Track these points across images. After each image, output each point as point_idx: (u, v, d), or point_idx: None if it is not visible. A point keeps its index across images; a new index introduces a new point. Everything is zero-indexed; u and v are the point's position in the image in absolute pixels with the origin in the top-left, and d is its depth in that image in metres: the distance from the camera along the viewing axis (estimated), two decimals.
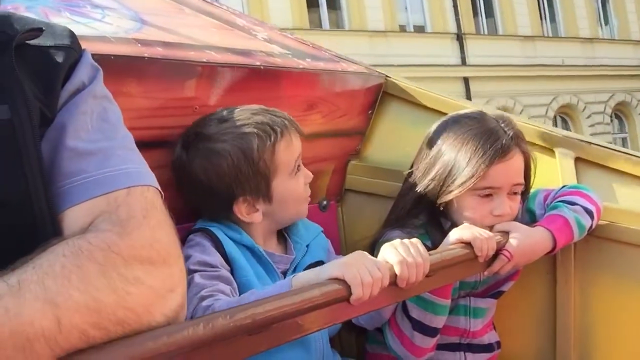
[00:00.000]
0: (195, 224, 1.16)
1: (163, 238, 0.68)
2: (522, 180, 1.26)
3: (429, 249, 1.02)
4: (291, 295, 0.78)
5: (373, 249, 1.23)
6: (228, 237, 1.11)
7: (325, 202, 1.57)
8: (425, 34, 13.37)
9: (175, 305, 0.67)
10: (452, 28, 13.53)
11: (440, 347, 1.29)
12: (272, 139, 1.11)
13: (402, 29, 12.98)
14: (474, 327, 1.33)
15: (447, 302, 1.21)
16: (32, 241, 0.62)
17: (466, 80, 14.20)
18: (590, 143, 1.43)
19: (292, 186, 1.16)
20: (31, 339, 0.53)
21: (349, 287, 0.83)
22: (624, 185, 1.38)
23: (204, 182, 1.10)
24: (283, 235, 1.23)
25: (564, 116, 16.41)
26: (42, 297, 0.55)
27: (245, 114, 1.13)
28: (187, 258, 1.02)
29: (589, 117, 16.07)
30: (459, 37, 13.54)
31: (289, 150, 1.14)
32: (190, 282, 0.96)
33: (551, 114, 15.73)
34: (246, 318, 0.71)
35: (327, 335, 1.17)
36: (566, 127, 16.94)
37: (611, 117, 16.76)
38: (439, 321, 1.21)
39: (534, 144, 1.43)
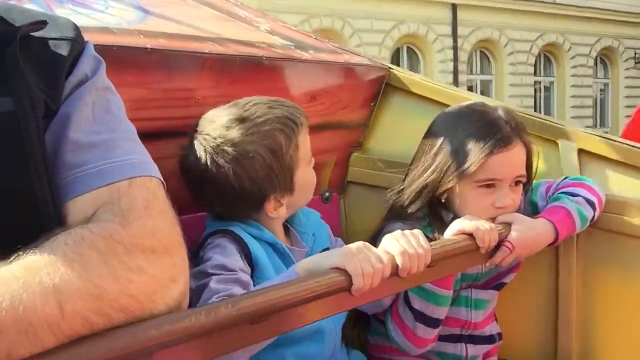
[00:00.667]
0: (207, 224, 1.14)
1: (165, 228, 0.69)
2: (524, 172, 1.26)
3: (430, 240, 1.02)
4: (293, 285, 0.79)
5: (375, 241, 1.22)
6: (250, 235, 1.08)
7: (327, 194, 1.57)
8: None
9: (177, 294, 0.67)
10: None
11: (442, 338, 1.30)
12: (296, 132, 1.10)
13: None
14: (475, 318, 1.33)
15: (449, 293, 1.21)
16: (37, 231, 0.62)
17: (454, 7, 14.09)
18: (593, 134, 1.43)
19: (310, 174, 1.17)
20: (34, 325, 0.53)
21: (350, 277, 0.84)
22: (627, 176, 1.37)
23: (235, 187, 1.06)
24: (286, 226, 1.22)
25: (548, 54, 16.20)
26: (45, 283, 0.55)
27: (262, 108, 1.09)
28: (206, 260, 1.01)
29: (573, 57, 15.86)
30: None
31: (307, 140, 1.14)
32: (205, 286, 0.95)
33: (535, 50, 15.53)
34: (248, 307, 0.71)
35: (340, 329, 1.16)
36: (549, 66, 16.69)
37: (596, 60, 16.58)
38: (441, 312, 1.22)
39: (536, 136, 1.43)
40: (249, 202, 1.09)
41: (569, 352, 1.41)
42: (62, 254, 0.59)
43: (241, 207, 1.09)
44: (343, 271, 0.84)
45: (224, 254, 1.01)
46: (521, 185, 1.27)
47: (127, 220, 0.66)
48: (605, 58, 17.09)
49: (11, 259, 0.57)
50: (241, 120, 1.07)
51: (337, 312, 0.87)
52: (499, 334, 1.39)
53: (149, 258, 0.64)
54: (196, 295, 0.93)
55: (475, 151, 1.20)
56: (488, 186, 1.22)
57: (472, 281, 1.32)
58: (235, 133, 1.06)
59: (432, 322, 1.22)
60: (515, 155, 1.23)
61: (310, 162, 1.16)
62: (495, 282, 1.35)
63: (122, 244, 0.63)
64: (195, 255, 1.05)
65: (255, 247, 1.06)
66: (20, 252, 0.58)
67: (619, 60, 16.88)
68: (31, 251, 0.58)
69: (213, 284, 0.95)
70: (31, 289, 0.54)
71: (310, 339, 1.09)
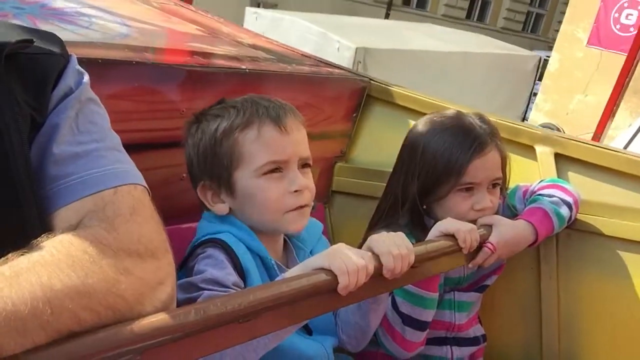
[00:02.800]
0: (199, 226, 1.10)
1: (150, 233, 0.70)
2: (500, 174, 1.29)
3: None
4: (280, 284, 0.80)
5: None
6: (242, 241, 1.04)
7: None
8: None
9: (165, 297, 0.68)
10: None
11: (428, 341, 1.31)
12: (237, 123, 1.04)
13: None
14: (459, 320, 1.35)
15: (435, 296, 1.23)
16: (23, 244, 0.63)
17: None
18: (570, 139, 1.47)
19: (258, 186, 1.03)
20: (24, 319, 0.54)
21: (335, 277, 0.85)
22: (604, 179, 1.41)
23: (191, 161, 1.09)
24: (286, 240, 1.16)
25: None
26: (33, 281, 0.56)
27: (246, 98, 1.08)
28: (197, 272, 0.96)
29: None
30: None
31: (260, 143, 1.03)
32: (194, 300, 0.88)
33: None
34: (237, 305, 0.72)
35: (332, 351, 1.10)
36: None
37: None
38: (428, 315, 1.24)
39: (513, 141, 1.47)
40: (191, 179, 1.11)
41: (554, 351, 1.43)
42: (49, 255, 0.60)
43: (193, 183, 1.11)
44: (328, 271, 0.85)
45: (216, 267, 0.97)
46: (498, 188, 1.30)
47: (112, 226, 0.67)
48: None
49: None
50: (220, 102, 1.11)
51: (325, 312, 0.88)
52: (483, 336, 1.42)
53: (135, 262, 0.65)
54: None
55: (454, 160, 1.24)
56: (467, 190, 1.26)
57: (456, 284, 1.34)
58: (206, 111, 1.10)
59: (420, 325, 1.23)
60: (491, 159, 1.26)
61: (258, 172, 1.03)
62: (477, 285, 1.37)
63: (109, 247, 0.64)
64: (183, 264, 1.02)
65: (245, 258, 1.02)
66: (8, 256, 0.59)
67: None
68: (19, 255, 0.59)
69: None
70: (20, 286, 0.55)
71: None
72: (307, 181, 1.07)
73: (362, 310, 1.11)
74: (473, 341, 1.38)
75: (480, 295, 1.39)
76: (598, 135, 4.50)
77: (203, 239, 1.05)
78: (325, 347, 1.09)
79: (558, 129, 6.92)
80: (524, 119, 5.03)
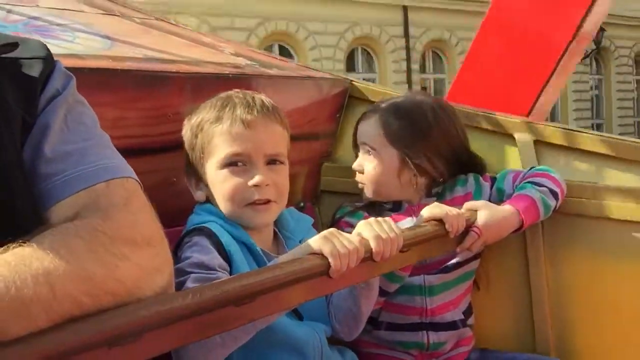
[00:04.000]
0: (189, 219, 1.14)
1: (145, 222, 0.72)
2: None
3: None
4: (274, 269, 0.83)
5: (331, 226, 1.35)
6: (226, 231, 1.08)
7: (302, 204, 1.61)
8: None
9: (163, 283, 0.70)
10: None
11: (403, 327, 1.35)
12: (208, 117, 1.11)
13: None
14: (431, 304, 1.37)
15: (406, 275, 1.28)
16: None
17: (405, 9, 14.52)
18: (548, 125, 1.51)
19: (220, 178, 1.09)
20: (27, 304, 0.56)
21: (327, 261, 0.88)
22: (582, 162, 1.46)
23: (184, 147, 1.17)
24: (275, 231, 1.20)
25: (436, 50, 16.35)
26: (35, 266, 0.58)
27: (228, 93, 1.16)
28: (184, 259, 1.00)
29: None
30: None
31: (224, 137, 1.08)
32: (182, 284, 0.93)
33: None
34: (233, 289, 0.75)
35: (324, 336, 1.13)
36: None
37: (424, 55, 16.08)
38: (392, 287, 1.29)
39: (494, 132, 1.51)
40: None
41: (546, 335, 1.46)
42: (49, 242, 0.62)
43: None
44: (320, 255, 0.88)
45: (202, 252, 1.01)
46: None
47: (107, 215, 0.69)
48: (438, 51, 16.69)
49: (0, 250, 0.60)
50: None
51: (318, 295, 0.91)
52: (462, 321, 1.42)
53: (132, 249, 0.67)
54: None
55: None
56: None
57: (421, 265, 1.35)
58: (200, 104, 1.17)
59: (382, 293, 1.26)
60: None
61: (220, 165, 1.09)
62: (443, 265, 1.38)
63: (105, 234, 0.66)
64: (173, 255, 1.05)
65: (229, 244, 1.06)
66: (9, 245, 0.60)
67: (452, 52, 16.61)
68: (19, 243, 0.61)
69: (190, 282, 0.94)
70: (22, 271, 0.57)
71: (289, 351, 1.07)
72: (272, 177, 1.10)
73: (353, 295, 1.13)
74: (450, 325, 1.39)
75: (458, 277, 1.40)
76: None
77: (189, 228, 1.10)
78: (318, 333, 1.11)
79: None
80: None
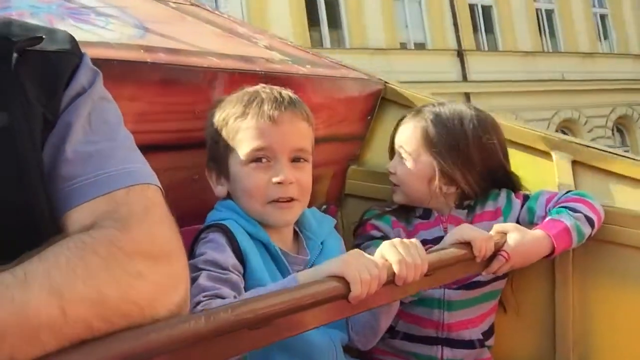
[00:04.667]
0: (209, 215, 1.12)
1: (164, 234, 0.69)
2: None
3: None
4: (291, 292, 0.79)
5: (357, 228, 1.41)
6: (244, 229, 1.06)
7: (325, 207, 1.58)
8: (426, 51, 13.40)
9: (178, 300, 0.67)
10: (453, 44, 13.56)
11: (418, 339, 1.32)
12: (234, 112, 1.08)
13: (403, 46, 12.98)
14: (448, 320, 1.33)
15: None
16: (36, 245, 0.62)
17: (467, 96, 14.23)
18: (588, 146, 1.45)
19: (244, 173, 1.07)
20: (37, 329, 0.54)
21: (348, 285, 0.84)
22: (621, 187, 1.39)
23: (206, 140, 1.16)
24: (296, 231, 1.17)
25: (566, 130, 16.33)
26: (48, 287, 0.56)
27: (255, 88, 1.14)
28: (199, 255, 1.00)
29: (590, 130, 16.01)
30: (460, 54, 13.57)
31: (249, 132, 1.06)
32: (194, 280, 0.93)
33: (553, 128, 15.60)
34: (247, 312, 0.72)
35: (340, 345, 1.11)
36: None
37: (612, 130, 16.70)
38: (407, 297, 1.24)
39: (531, 147, 1.45)
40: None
41: None
42: (64, 259, 0.59)
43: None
44: (341, 279, 0.85)
45: (217, 250, 1.00)
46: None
47: (126, 227, 0.66)
48: (621, 126, 16.95)
49: (13, 264, 0.57)
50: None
51: (335, 319, 0.88)
52: (480, 341, 1.38)
53: (148, 264, 0.65)
54: None
55: None
56: None
57: None
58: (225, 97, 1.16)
59: None
60: None
61: (246, 160, 1.06)
62: (466, 282, 1.34)
63: (122, 250, 0.63)
64: (190, 251, 1.04)
65: (245, 243, 1.03)
66: (23, 258, 0.58)
67: (634, 126, 16.70)
68: (33, 256, 0.59)
69: (202, 280, 0.93)
70: (34, 293, 0.55)
71: (305, 358, 1.05)
72: (297, 175, 1.08)
73: (373, 310, 1.10)
74: (467, 344, 1.35)
75: (480, 296, 1.36)
76: None
77: (207, 224, 1.09)
78: (333, 341, 1.09)
79: None
80: None
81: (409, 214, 1.41)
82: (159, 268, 0.66)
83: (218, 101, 1.16)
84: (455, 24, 13.57)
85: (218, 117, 1.12)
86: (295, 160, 1.09)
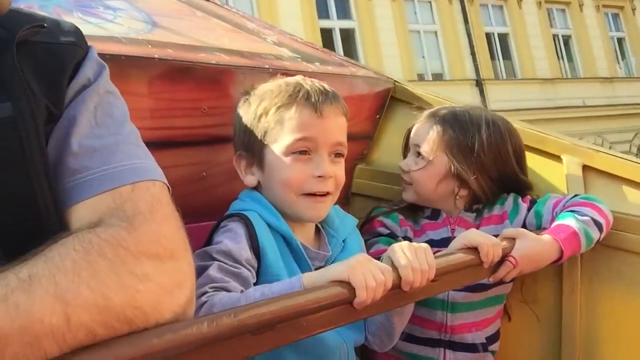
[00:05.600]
0: (232, 204, 1.12)
1: (170, 233, 0.68)
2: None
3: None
4: (295, 297, 0.78)
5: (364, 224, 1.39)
6: (265, 221, 1.05)
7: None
8: (444, 81, 13.16)
9: (183, 300, 0.66)
10: (471, 74, 13.34)
11: (420, 341, 1.31)
12: (277, 102, 1.06)
13: (421, 77, 12.75)
14: (452, 322, 1.32)
15: None
16: (40, 236, 0.62)
17: None
18: (599, 151, 1.43)
19: (285, 164, 1.05)
20: (39, 336, 0.53)
21: (353, 290, 0.83)
22: (632, 193, 1.37)
23: (235, 127, 1.15)
24: (318, 227, 1.17)
25: None
26: (52, 293, 0.55)
27: (296, 78, 1.13)
28: (215, 243, 0.99)
29: None
30: (478, 83, 13.35)
31: (293, 123, 1.05)
32: (204, 269, 0.93)
33: None
34: (250, 317, 0.71)
35: (352, 347, 1.10)
36: None
37: (636, 155, 16.49)
38: None
39: (541, 151, 1.43)
40: (234, 148, 1.15)
41: None
42: (70, 261, 0.58)
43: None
44: (346, 284, 0.83)
45: (233, 240, 0.99)
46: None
47: (132, 226, 0.65)
48: None
49: (18, 263, 0.56)
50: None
51: (339, 324, 0.86)
52: (483, 345, 1.36)
53: (155, 264, 0.64)
54: None
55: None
56: None
57: None
58: (261, 86, 1.14)
59: None
60: None
61: (287, 151, 1.05)
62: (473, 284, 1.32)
63: (129, 251, 0.62)
64: (209, 238, 1.04)
65: (264, 236, 1.02)
66: (28, 257, 0.57)
67: None
68: (39, 255, 0.58)
69: (212, 270, 0.93)
70: (39, 298, 0.54)
71: (314, 355, 1.04)
72: (334, 169, 1.08)
73: (386, 312, 1.09)
74: (470, 347, 1.34)
75: (485, 299, 1.34)
76: None
77: (229, 213, 1.08)
78: (346, 342, 1.07)
79: None
80: None
81: (417, 214, 1.41)
82: (164, 267, 0.65)
83: (249, 89, 1.15)
84: (473, 54, 13.32)
85: (256, 106, 1.09)
86: (334, 154, 1.09)
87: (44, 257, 0.58)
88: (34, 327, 0.52)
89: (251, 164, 1.11)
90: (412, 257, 0.92)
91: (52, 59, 0.72)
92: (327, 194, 1.08)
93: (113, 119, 0.74)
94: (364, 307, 0.84)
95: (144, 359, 0.61)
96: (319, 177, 1.05)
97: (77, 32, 0.77)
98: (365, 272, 0.84)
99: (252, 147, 1.10)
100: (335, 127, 1.08)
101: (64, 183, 0.69)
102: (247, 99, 1.14)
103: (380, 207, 1.43)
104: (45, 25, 0.72)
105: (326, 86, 1.12)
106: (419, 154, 1.37)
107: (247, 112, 1.11)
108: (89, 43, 0.78)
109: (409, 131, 1.42)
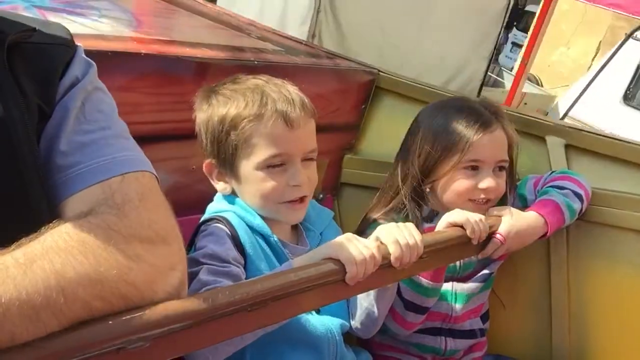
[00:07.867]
0: (208, 208, 1.12)
1: (160, 219, 0.70)
2: (506, 157, 1.29)
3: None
4: (288, 274, 0.80)
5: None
6: (243, 220, 1.06)
7: (321, 196, 1.59)
8: None
9: (176, 282, 0.68)
10: None
11: (422, 331, 1.31)
12: (246, 114, 1.03)
13: None
14: (456, 312, 1.34)
15: (439, 286, 1.23)
16: (32, 234, 0.63)
17: None
18: (581, 130, 1.46)
19: (260, 177, 1.05)
20: (37, 308, 0.55)
21: (343, 267, 0.85)
22: (614, 170, 1.40)
23: (200, 131, 1.11)
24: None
25: None
26: (47, 268, 0.57)
27: (258, 84, 1.08)
28: (199, 248, 1.00)
29: None
30: None
31: (266, 138, 1.03)
32: (195, 275, 0.93)
33: None
34: (245, 294, 0.73)
35: (341, 335, 1.11)
36: None
37: None
38: (430, 302, 1.24)
39: (524, 132, 1.46)
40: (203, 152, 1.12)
41: (565, 344, 1.42)
42: (62, 241, 0.60)
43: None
44: (336, 261, 0.86)
45: (216, 242, 1.00)
46: (505, 172, 1.30)
47: (122, 212, 0.67)
48: None
49: (13, 247, 0.58)
50: (235, 78, 1.12)
51: (333, 301, 0.89)
52: (481, 330, 1.39)
53: (146, 247, 0.66)
54: None
55: (460, 134, 1.25)
56: (472, 168, 1.26)
57: (452, 274, 1.33)
58: (222, 87, 1.10)
59: (421, 310, 1.25)
60: (496, 138, 1.27)
61: (262, 166, 1.04)
62: (477, 274, 1.35)
63: (120, 234, 0.64)
64: (190, 243, 1.04)
65: (245, 236, 1.04)
66: (21, 241, 0.59)
67: None
68: (33, 240, 0.60)
69: (203, 274, 0.93)
70: (34, 274, 0.56)
71: (305, 349, 1.06)
72: (309, 174, 1.09)
73: (370, 295, 1.11)
74: (469, 334, 1.36)
75: (481, 285, 1.36)
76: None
77: (207, 216, 1.08)
78: (333, 329, 1.09)
79: (537, 81, 6.90)
80: (492, 59, 4.86)
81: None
82: (156, 250, 0.67)
83: (210, 91, 1.11)
84: None
85: (223, 114, 1.06)
86: (307, 159, 1.09)
87: (37, 240, 0.60)
88: (32, 300, 0.54)
89: (223, 173, 1.10)
90: (398, 233, 0.95)
91: (44, 59, 0.73)
92: (305, 197, 1.09)
93: (102, 114, 0.76)
94: (356, 283, 0.86)
95: (140, 336, 0.62)
96: (295, 186, 1.06)
97: (66, 32, 0.79)
98: (352, 248, 0.86)
99: (222, 159, 1.08)
100: (306, 135, 1.08)
101: (55, 179, 0.70)
102: (209, 101, 1.09)
103: (375, 223, 1.33)
104: (36, 28, 0.74)
105: (291, 91, 1.09)
106: (501, 168, 1.28)
107: (211, 118, 1.07)
108: (76, 41, 0.80)
109: (467, 145, 1.25)
